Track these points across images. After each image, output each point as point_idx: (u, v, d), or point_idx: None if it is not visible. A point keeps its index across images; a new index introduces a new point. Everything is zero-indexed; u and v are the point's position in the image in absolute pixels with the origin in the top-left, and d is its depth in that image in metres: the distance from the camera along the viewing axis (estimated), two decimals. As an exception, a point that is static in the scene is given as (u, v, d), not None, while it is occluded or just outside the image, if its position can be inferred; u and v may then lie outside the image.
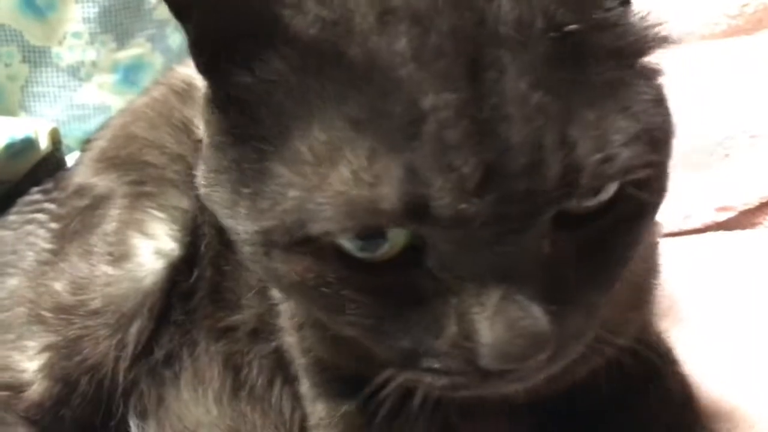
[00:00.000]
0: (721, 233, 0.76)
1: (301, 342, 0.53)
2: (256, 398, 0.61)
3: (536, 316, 0.33)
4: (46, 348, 0.60)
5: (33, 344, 0.60)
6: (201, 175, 0.40)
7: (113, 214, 0.63)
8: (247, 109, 0.36)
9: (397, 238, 0.34)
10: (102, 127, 0.77)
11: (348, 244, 0.34)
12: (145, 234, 0.62)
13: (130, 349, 0.60)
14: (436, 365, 0.35)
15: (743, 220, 0.76)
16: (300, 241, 0.34)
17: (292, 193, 0.33)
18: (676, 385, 0.56)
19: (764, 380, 0.59)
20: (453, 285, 0.34)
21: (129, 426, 0.62)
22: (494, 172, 0.31)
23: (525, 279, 0.33)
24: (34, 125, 0.80)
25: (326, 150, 0.33)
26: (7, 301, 0.66)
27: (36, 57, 0.94)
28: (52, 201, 0.72)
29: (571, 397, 0.53)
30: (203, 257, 0.62)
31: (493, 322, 0.33)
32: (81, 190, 0.67)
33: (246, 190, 0.36)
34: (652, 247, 0.51)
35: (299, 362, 0.55)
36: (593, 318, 0.37)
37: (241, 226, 0.37)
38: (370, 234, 0.33)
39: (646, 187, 0.35)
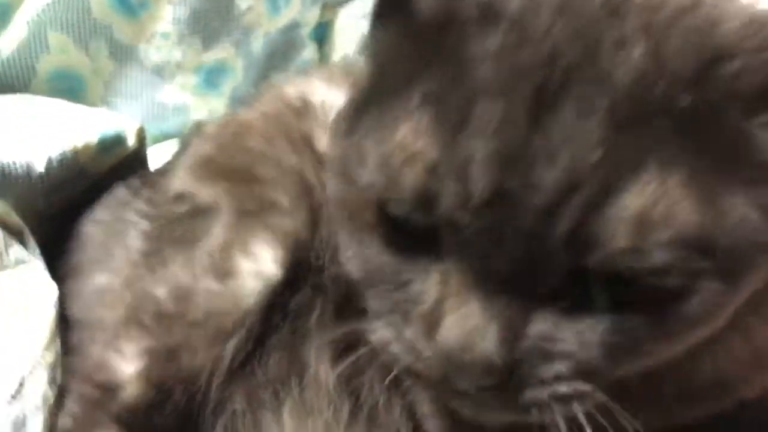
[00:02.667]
0: None
1: None
2: (375, 423, 0.60)
3: (490, 340, 0.33)
4: (145, 352, 0.59)
5: (131, 347, 0.60)
6: None
7: (218, 229, 0.63)
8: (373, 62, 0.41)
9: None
10: (194, 133, 0.76)
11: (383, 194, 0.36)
12: (249, 255, 0.61)
13: (225, 364, 0.60)
14: (403, 330, 0.38)
15: None
16: (347, 178, 0.39)
17: (362, 135, 0.37)
18: None
19: None
20: (447, 274, 0.35)
21: None
22: (503, 200, 0.32)
23: (500, 301, 0.34)
24: (123, 122, 0.80)
25: (396, 116, 0.35)
26: (96, 300, 0.66)
27: (123, 54, 0.93)
28: (143, 201, 0.72)
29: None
30: (329, 270, 0.61)
31: (457, 321, 0.34)
32: (182, 197, 0.67)
33: (344, 120, 0.41)
34: None
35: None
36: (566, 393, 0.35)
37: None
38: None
39: (687, 292, 0.33)
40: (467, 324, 0.34)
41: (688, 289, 0.33)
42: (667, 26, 0.33)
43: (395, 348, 0.39)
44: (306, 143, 0.66)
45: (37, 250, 0.68)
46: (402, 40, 0.38)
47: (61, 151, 0.71)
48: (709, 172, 0.32)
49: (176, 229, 0.65)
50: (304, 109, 0.67)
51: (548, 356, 0.35)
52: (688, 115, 0.32)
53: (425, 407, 0.57)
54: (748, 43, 0.33)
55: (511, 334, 0.34)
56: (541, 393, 0.36)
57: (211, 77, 1.00)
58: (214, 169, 0.67)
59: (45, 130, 0.73)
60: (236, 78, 1.03)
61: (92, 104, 0.93)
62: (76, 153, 0.72)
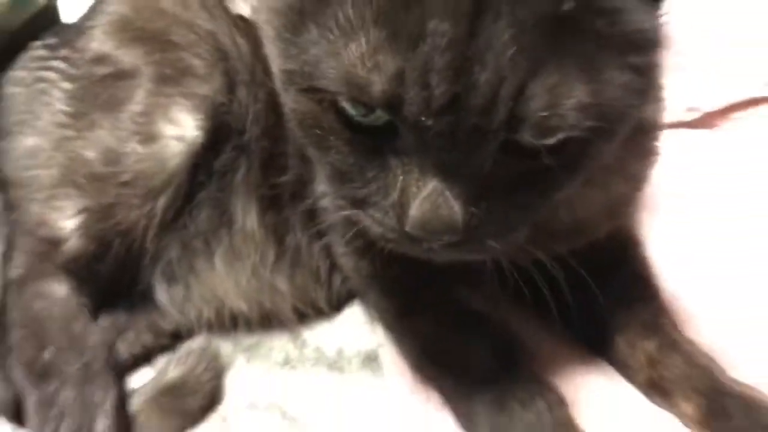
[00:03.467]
0: (685, 131, 0.85)
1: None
2: (297, 262, 0.70)
3: (454, 210, 0.44)
4: (83, 210, 0.65)
5: (69, 205, 0.65)
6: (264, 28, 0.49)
7: (140, 95, 0.66)
8: None
9: (381, 113, 0.43)
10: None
11: (345, 103, 0.43)
12: (170, 120, 0.66)
13: (157, 220, 0.67)
14: (377, 215, 0.47)
15: (706, 120, 0.85)
16: (308, 89, 0.44)
17: (314, 50, 0.42)
18: (641, 265, 0.67)
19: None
20: (407, 165, 0.44)
21: (154, 289, 0.70)
22: (456, 102, 0.40)
23: (457, 182, 0.43)
24: None
25: (350, 27, 0.40)
26: (28, 160, 0.69)
27: None
28: (62, 59, 0.73)
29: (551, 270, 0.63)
30: (250, 131, 0.67)
31: (422, 203, 0.44)
32: (102, 59, 0.69)
33: (286, 35, 0.44)
34: (643, 166, 0.59)
35: (332, 220, 0.64)
36: (513, 230, 0.47)
37: (274, 64, 0.48)
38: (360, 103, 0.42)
39: (584, 146, 0.44)
40: (435, 201, 0.43)
41: (584, 146, 0.43)
42: None
43: (376, 231, 0.48)
44: (219, 6, 0.69)
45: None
46: None
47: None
48: (592, 53, 0.41)
49: (100, 91, 0.68)
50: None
51: (491, 221, 0.45)
52: (572, 14, 0.39)
53: (339, 248, 0.66)
54: None
55: (468, 207, 0.44)
56: (490, 246, 0.47)
57: None
58: (131, 32, 0.69)
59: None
60: None
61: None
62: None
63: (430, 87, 0.39)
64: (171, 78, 0.66)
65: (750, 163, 0.79)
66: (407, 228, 0.44)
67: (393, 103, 0.40)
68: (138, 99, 0.66)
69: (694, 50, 0.85)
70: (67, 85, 0.71)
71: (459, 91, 0.39)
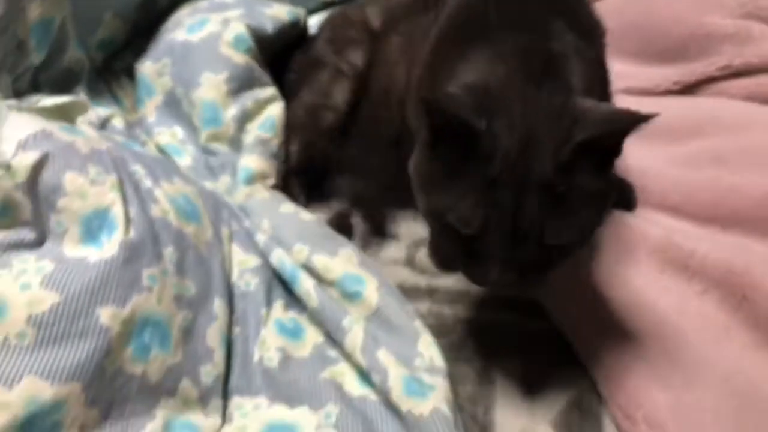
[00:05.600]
0: (673, 96, 1.34)
1: None
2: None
3: (510, 277, 0.77)
4: (300, 142, 1.26)
5: (294, 140, 1.25)
6: (414, 167, 0.85)
7: (326, 77, 1.23)
8: (451, 155, 0.78)
9: (475, 230, 0.76)
10: (326, 21, 1.39)
11: (457, 225, 0.77)
12: (340, 87, 1.23)
13: (334, 145, 1.25)
14: (471, 272, 0.81)
15: (686, 90, 1.33)
16: (439, 218, 0.79)
17: (444, 202, 0.78)
18: (627, 185, 1.13)
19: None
20: (487, 252, 0.77)
21: (336, 178, 1.29)
22: (511, 236, 0.75)
23: (511, 263, 0.77)
24: (299, 9, 1.42)
25: (461, 193, 0.76)
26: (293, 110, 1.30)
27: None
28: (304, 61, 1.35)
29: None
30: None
31: (495, 272, 0.77)
32: (315, 58, 1.30)
33: (429, 192, 0.81)
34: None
35: None
36: (542, 277, 0.81)
37: (421, 201, 0.84)
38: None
39: (574, 243, 0.79)
40: (503, 270, 0.77)
41: (572, 244, 0.79)
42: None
43: (473, 278, 0.83)
44: (369, 38, 1.26)
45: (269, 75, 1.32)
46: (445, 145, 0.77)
47: (279, 24, 1.34)
48: (571, 207, 0.75)
49: (307, 74, 1.30)
50: (369, 28, 1.27)
51: (531, 278, 0.80)
52: (562, 193, 0.74)
53: None
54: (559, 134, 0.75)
55: (520, 271, 0.78)
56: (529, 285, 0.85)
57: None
58: (333, 42, 1.29)
59: (269, 11, 1.36)
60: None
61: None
62: (285, 24, 1.36)
63: (501, 225, 0.74)
64: (341, 69, 1.24)
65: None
66: (489, 279, 0.78)
67: (482, 228, 0.75)
68: (324, 78, 1.22)
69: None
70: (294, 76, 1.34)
71: (514, 227, 0.74)
